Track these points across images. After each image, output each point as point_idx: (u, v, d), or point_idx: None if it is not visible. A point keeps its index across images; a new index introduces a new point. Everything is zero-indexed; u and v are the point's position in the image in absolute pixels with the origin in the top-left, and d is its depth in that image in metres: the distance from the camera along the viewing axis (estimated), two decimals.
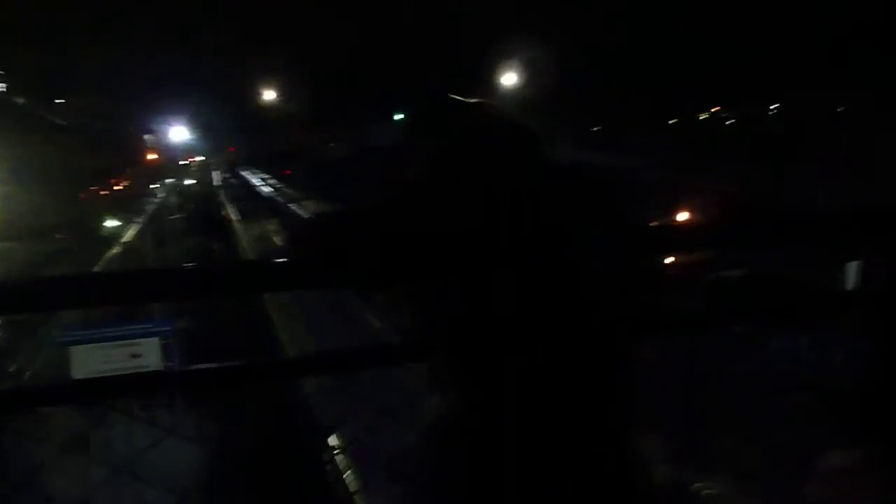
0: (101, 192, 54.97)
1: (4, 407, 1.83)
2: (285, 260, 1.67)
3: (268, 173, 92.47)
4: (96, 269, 27.49)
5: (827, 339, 11.52)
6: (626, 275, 1.55)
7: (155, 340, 11.31)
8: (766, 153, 29.18)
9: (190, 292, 1.89)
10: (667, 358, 1.99)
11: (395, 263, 1.50)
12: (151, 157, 57.99)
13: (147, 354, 11.04)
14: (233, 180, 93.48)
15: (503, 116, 1.62)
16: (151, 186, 59.36)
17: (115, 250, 34.60)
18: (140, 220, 43.37)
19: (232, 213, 52.46)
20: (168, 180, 46.35)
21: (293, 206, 50.20)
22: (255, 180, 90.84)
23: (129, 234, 39.39)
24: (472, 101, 1.65)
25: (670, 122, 48.21)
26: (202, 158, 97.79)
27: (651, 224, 1.91)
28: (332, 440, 11.38)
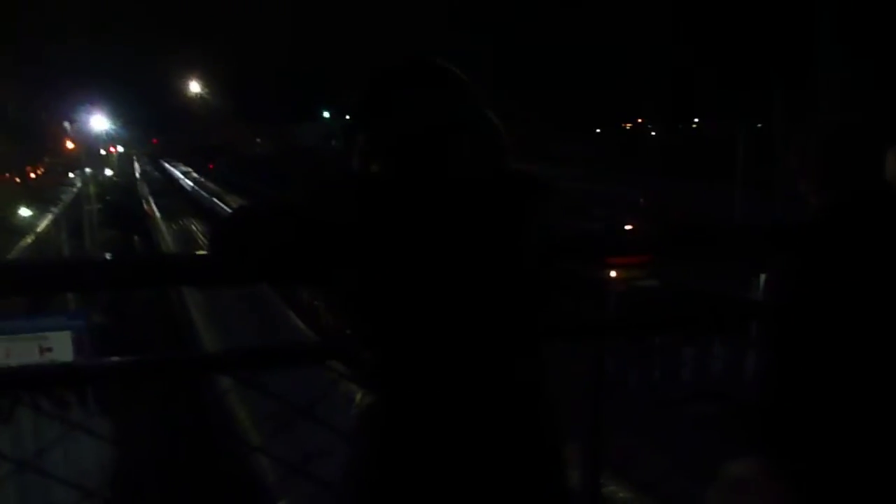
0: (15, 180, 53.00)
1: None
2: (208, 254, 1.63)
3: (190, 167, 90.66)
4: (6, 259, 26.50)
5: (737, 349, 11.90)
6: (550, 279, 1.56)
7: (67, 334, 10.97)
8: (682, 166, 29.95)
9: (105, 283, 1.87)
10: (574, 363, 2.05)
11: (329, 259, 1.44)
12: (70, 145, 56.10)
13: (58, 349, 10.71)
14: (155, 173, 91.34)
15: (467, 107, 1.51)
16: (69, 175, 57.46)
17: (28, 240, 33.42)
18: (56, 209, 41.92)
19: (155, 209, 51.17)
20: (87, 170, 44.85)
21: (216, 201, 49.35)
22: (178, 173, 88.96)
23: (44, 224, 38.08)
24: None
25: (596, 130, 49.01)
26: (123, 149, 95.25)
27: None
28: (247, 439, 11.26)
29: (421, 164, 1.44)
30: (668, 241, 2.24)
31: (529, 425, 1.50)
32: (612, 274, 17.00)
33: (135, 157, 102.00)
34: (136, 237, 39.18)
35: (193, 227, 42.81)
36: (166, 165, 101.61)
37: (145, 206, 54.82)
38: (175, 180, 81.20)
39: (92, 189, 33.67)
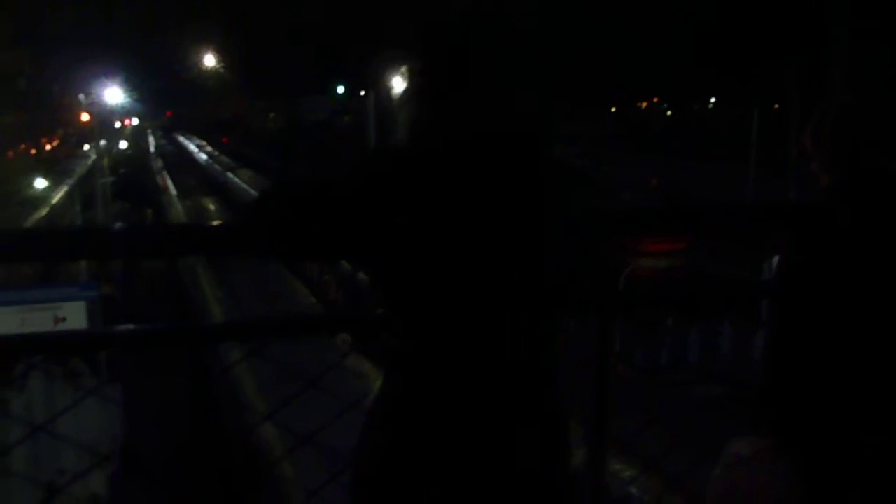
0: (31, 151, 53.21)
1: None
2: (225, 223, 1.64)
3: (205, 140, 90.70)
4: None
5: (745, 331, 11.89)
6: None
7: (81, 304, 11.06)
8: (696, 147, 29.80)
9: (119, 251, 1.89)
10: (578, 341, 2.06)
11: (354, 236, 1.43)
12: (84, 117, 56.21)
13: (72, 318, 10.79)
14: (169, 147, 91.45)
15: (512, 85, 1.45)
16: (84, 148, 57.66)
17: (43, 211, 33.61)
18: (70, 181, 42.11)
19: (170, 185, 51.08)
20: (101, 142, 44.98)
21: (230, 175, 49.34)
22: (192, 147, 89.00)
23: (58, 196, 38.27)
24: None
25: (611, 109, 48.68)
26: (137, 122, 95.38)
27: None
28: (256, 409, 11.34)
29: (454, 142, 1.43)
30: (672, 219, 2.24)
31: (542, 408, 1.51)
32: (648, 263, 16.96)
33: (149, 131, 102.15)
34: (149, 210, 39.30)
35: (210, 206, 42.84)
36: (180, 139, 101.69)
37: (159, 181, 54.86)
38: (189, 154, 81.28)
39: (106, 161, 33.80)
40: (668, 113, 47.93)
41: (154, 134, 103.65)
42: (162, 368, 11.73)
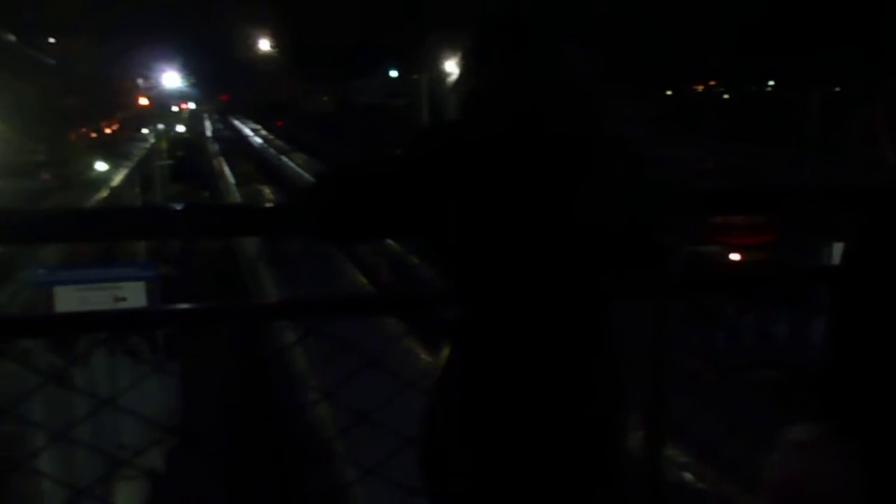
0: (92, 135, 54.40)
1: None
2: (282, 205, 1.67)
3: (259, 124, 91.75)
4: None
5: (803, 316, 11.67)
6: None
7: (140, 284, 11.28)
8: (754, 129, 29.21)
9: (179, 231, 1.92)
10: (635, 325, 2.03)
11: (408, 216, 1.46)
12: (143, 101, 57.35)
13: (132, 298, 11.03)
14: (226, 132, 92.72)
15: (563, 66, 1.48)
16: (142, 131, 58.82)
17: (103, 194, 34.38)
18: (129, 164, 43.01)
19: (227, 171, 51.66)
20: (159, 126, 45.74)
21: (283, 159, 49.81)
22: (247, 130, 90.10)
23: (118, 179, 39.10)
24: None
25: (667, 92, 48.01)
26: (194, 106, 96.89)
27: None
28: (311, 386, 11.49)
29: (513, 118, 1.44)
30: (735, 203, 2.19)
31: (597, 376, 1.52)
32: (735, 256, 16.72)
33: (205, 115, 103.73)
34: (205, 193, 39.93)
35: (265, 190, 43.29)
36: (236, 123, 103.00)
37: (216, 164, 55.60)
38: (244, 137, 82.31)
39: (164, 145, 34.43)
40: (725, 96, 47.08)
41: (210, 118, 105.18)
42: (218, 346, 11.94)
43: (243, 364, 12.68)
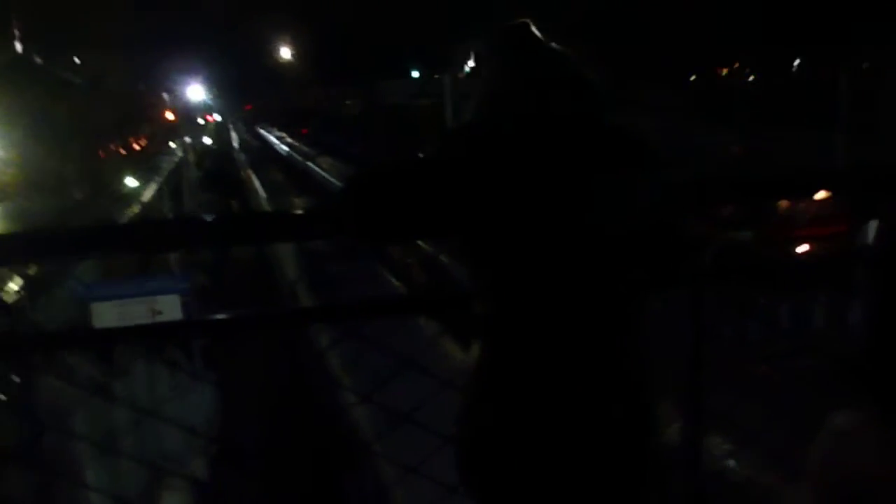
0: (121, 151, 55.05)
1: (27, 349, 1.90)
2: (312, 210, 1.70)
3: (284, 131, 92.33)
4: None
5: (840, 302, 11.50)
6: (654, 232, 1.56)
7: (175, 297, 11.41)
8: (781, 112, 28.82)
9: (212, 240, 1.95)
10: (670, 316, 2.03)
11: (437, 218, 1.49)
12: (169, 115, 58.03)
13: (168, 311, 11.16)
14: (253, 142, 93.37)
15: (569, 65, 1.54)
16: (170, 145, 59.50)
17: (135, 209, 34.78)
18: (159, 178, 43.50)
19: (256, 183, 51.96)
20: (186, 139, 46.25)
21: (310, 165, 50.06)
22: (273, 139, 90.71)
23: (149, 193, 39.54)
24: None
25: (691, 78, 47.57)
26: (220, 118, 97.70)
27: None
28: (347, 389, 11.53)
29: (525, 117, 1.48)
30: (769, 188, 2.17)
31: (625, 377, 1.52)
32: (804, 248, 16.44)
33: (231, 125, 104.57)
34: (234, 202, 40.29)
35: (293, 197, 43.48)
36: (261, 131, 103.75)
37: (243, 174, 56.01)
38: (270, 146, 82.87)
39: (191, 157, 34.80)
40: (751, 78, 46.52)
41: (236, 128, 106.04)
42: (255, 354, 12.05)
43: (280, 370, 12.82)
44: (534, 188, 1.46)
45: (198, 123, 70.78)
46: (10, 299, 14.47)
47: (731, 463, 7.25)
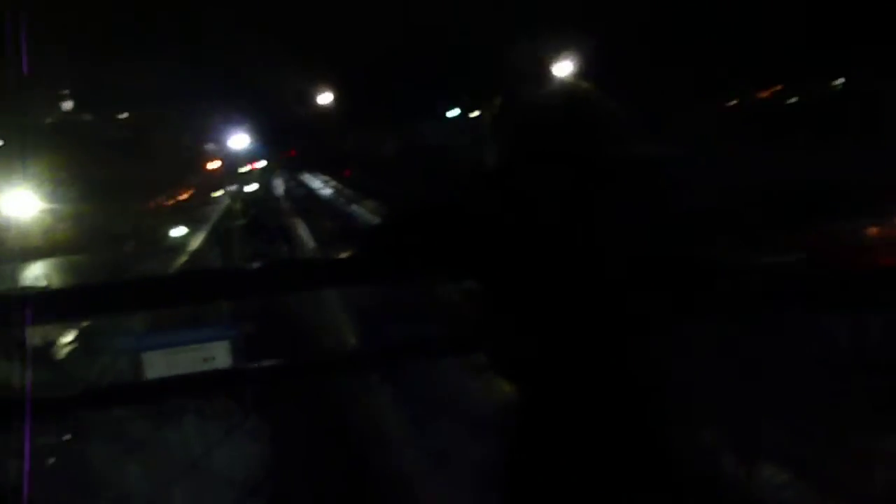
0: (168, 202, 56.23)
1: (77, 408, 1.95)
2: (352, 256, 1.73)
3: (328, 175, 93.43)
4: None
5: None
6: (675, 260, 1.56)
7: (225, 344, 11.50)
8: (824, 134, 28.41)
9: (258, 289, 2.00)
10: (721, 340, 2.01)
11: (462, 256, 1.52)
12: (213, 165, 59.19)
13: (218, 358, 11.26)
14: (297, 189, 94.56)
15: (587, 102, 1.55)
16: (214, 194, 60.59)
17: (184, 258, 35.37)
18: (205, 227, 44.27)
19: (299, 223, 52.37)
20: (230, 188, 47.08)
21: (354, 207, 50.51)
22: (317, 183, 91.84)
23: (196, 242, 40.21)
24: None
25: (728, 103, 47.23)
26: (264, 163, 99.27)
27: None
28: (386, 434, 11.51)
29: (543, 155, 1.49)
30: (817, 206, 2.16)
31: (657, 408, 1.52)
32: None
33: (275, 172, 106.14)
34: (283, 248, 40.75)
35: (339, 242, 43.74)
36: (305, 176, 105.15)
37: (289, 220, 56.62)
38: (314, 191, 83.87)
39: (238, 205, 35.33)
40: (793, 100, 46.01)
41: (280, 174, 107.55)
42: (303, 399, 12.11)
43: (328, 414, 12.85)
44: (552, 233, 1.48)
45: (242, 172, 72.00)
46: (60, 355, 14.78)
47: (788, 495, 7.05)
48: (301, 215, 57.65)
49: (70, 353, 15.08)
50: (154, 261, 34.85)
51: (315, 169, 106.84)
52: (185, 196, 63.98)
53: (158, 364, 11.08)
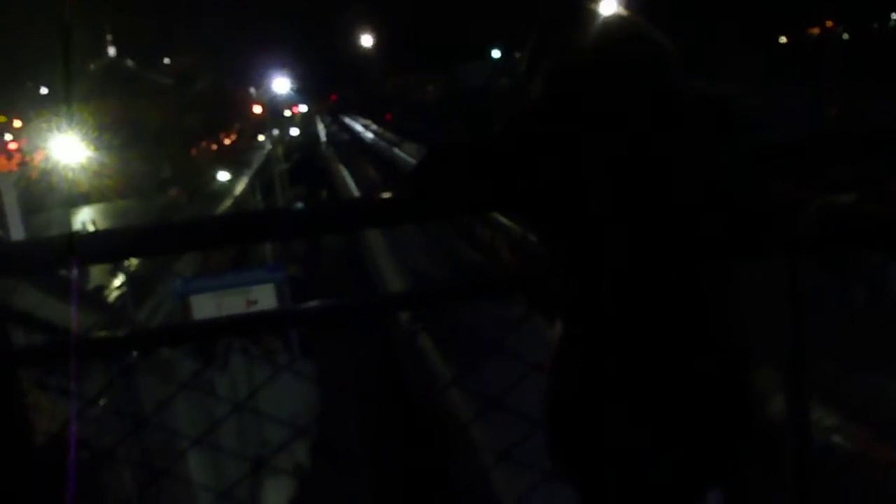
0: (212, 147, 56.66)
1: (130, 348, 1.97)
2: (393, 195, 1.71)
3: (369, 119, 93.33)
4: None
5: None
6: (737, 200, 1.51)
7: (270, 286, 11.67)
8: (877, 72, 27.49)
9: (304, 229, 1.97)
10: (770, 284, 1.95)
11: (510, 191, 1.49)
12: (256, 110, 59.34)
13: (262, 300, 11.43)
14: (337, 130, 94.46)
15: (636, 34, 1.50)
16: (258, 139, 60.88)
17: (227, 203, 35.74)
18: (249, 172, 44.56)
19: (341, 167, 52.29)
20: (274, 132, 47.22)
21: (395, 151, 50.44)
22: (359, 127, 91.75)
23: (240, 187, 40.55)
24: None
25: (780, 40, 45.94)
26: (306, 109, 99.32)
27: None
28: (433, 376, 11.61)
29: (593, 92, 1.44)
30: (869, 144, 2.07)
31: (715, 348, 1.48)
32: None
33: (317, 116, 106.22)
34: (324, 192, 40.93)
35: (380, 185, 43.80)
36: (347, 120, 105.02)
37: (331, 164, 56.67)
38: (356, 134, 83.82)
39: (280, 150, 35.48)
40: (845, 36, 44.56)
41: (322, 118, 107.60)
42: (349, 341, 12.24)
43: (374, 356, 13.01)
44: (605, 160, 1.42)
45: (284, 116, 72.14)
46: (111, 297, 15.10)
47: (837, 439, 6.99)
48: (343, 159, 57.78)
49: (119, 296, 15.41)
50: (199, 205, 35.28)
51: (357, 112, 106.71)
52: (228, 141, 64.40)
53: (206, 306, 11.30)
